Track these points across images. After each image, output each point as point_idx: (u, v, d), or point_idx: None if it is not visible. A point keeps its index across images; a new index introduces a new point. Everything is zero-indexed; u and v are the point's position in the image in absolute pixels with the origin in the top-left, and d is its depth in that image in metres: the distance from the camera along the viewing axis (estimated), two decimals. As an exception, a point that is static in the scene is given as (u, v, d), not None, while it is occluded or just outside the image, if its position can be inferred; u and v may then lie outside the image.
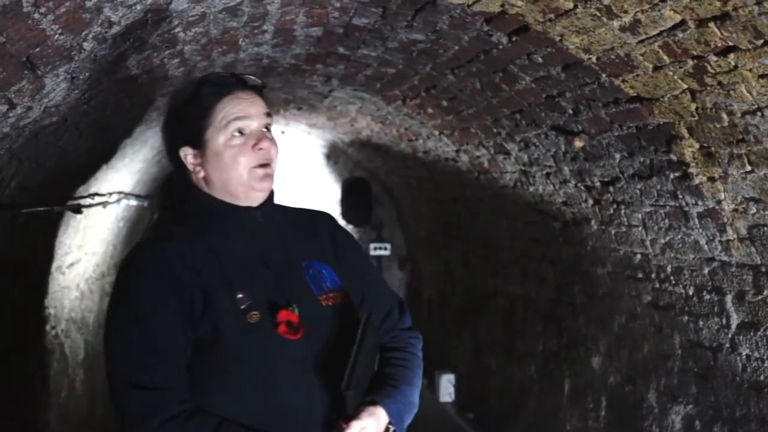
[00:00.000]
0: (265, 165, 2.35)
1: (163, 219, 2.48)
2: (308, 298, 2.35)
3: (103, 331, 2.30)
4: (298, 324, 2.27)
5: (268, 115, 2.41)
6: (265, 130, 2.38)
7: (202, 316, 2.21)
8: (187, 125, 2.37)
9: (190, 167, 2.38)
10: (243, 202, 2.37)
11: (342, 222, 8.06)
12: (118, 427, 2.22)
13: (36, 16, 2.10)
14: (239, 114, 2.33)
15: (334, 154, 9.56)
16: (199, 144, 2.35)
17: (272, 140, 2.39)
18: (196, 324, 2.21)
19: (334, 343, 2.31)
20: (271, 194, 2.45)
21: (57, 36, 2.30)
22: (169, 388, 2.17)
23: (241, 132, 2.33)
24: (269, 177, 2.37)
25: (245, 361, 2.22)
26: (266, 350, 2.23)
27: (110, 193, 5.62)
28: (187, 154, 2.38)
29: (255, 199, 2.38)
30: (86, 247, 6.08)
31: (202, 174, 2.37)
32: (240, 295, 2.25)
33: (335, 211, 8.97)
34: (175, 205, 2.44)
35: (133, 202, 6.88)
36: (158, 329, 2.19)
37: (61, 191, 4.30)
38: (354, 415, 2.24)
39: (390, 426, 2.32)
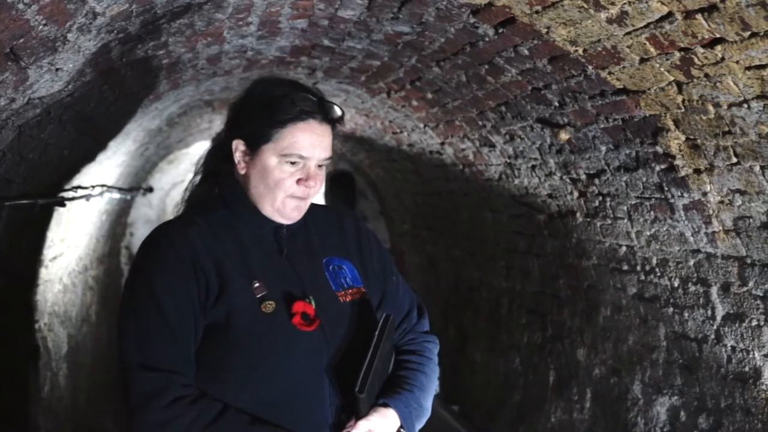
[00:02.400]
0: (301, 198, 2.34)
1: (192, 201, 2.45)
2: (326, 293, 2.34)
3: (118, 309, 2.31)
4: (314, 316, 2.27)
5: (329, 157, 2.36)
6: (318, 165, 2.35)
7: (216, 302, 2.22)
8: (252, 125, 2.34)
9: (237, 160, 2.36)
10: (268, 217, 2.37)
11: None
12: (124, 405, 2.22)
13: (20, 6, 2.08)
14: (304, 152, 2.29)
15: (318, 147, 9.54)
16: (254, 147, 2.32)
17: (321, 176, 2.36)
18: (208, 310, 2.22)
19: (349, 339, 2.30)
20: None
21: (41, 27, 2.27)
22: (176, 372, 2.17)
23: (294, 164, 2.31)
24: (299, 210, 2.36)
25: (257, 349, 2.22)
26: (279, 340, 2.23)
27: (93, 186, 5.58)
28: (239, 149, 2.35)
29: (280, 221, 2.37)
30: (69, 240, 6.05)
31: (243, 171, 2.35)
32: (257, 284, 2.26)
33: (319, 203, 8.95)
34: (206, 189, 2.44)
35: (116, 195, 6.85)
36: (171, 313, 2.20)
37: (45, 184, 4.27)
38: (364, 416, 2.23)
39: (402, 430, 2.31)
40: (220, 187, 2.41)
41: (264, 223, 2.36)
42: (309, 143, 2.30)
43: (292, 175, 2.31)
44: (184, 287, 2.21)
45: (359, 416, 2.23)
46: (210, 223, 2.33)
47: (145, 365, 2.16)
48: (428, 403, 2.43)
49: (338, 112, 2.39)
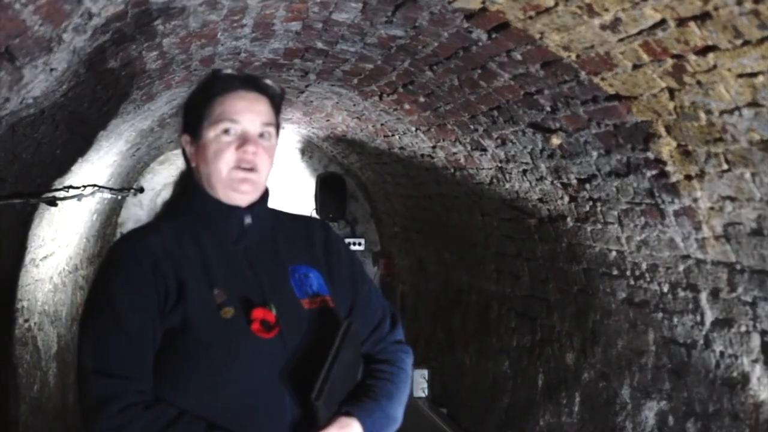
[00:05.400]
0: (247, 169, 2.32)
1: (162, 210, 2.47)
2: (288, 300, 2.32)
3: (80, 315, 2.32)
4: (274, 323, 2.25)
5: (268, 123, 2.37)
6: (260, 136, 2.35)
7: (174, 308, 2.21)
8: (191, 113, 2.39)
9: (188, 155, 2.40)
10: (226, 201, 2.35)
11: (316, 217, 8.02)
12: (79, 410, 2.21)
13: (17, 6, 2.08)
14: (232, 115, 2.31)
15: (309, 149, 9.55)
16: (196, 134, 2.36)
17: (264, 148, 2.35)
18: (167, 315, 2.21)
19: (311, 347, 2.27)
20: (263, 198, 2.43)
21: (37, 27, 2.27)
22: (131, 378, 2.16)
23: (228, 131, 2.31)
24: (249, 182, 2.33)
25: (214, 355, 2.20)
26: (237, 346, 2.21)
27: (84, 186, 5.57)
28: (187, 142, 2.39)
29: (236, 200, 2.35)
30: (60, 239, 6.04)
31: (194, 164, 2.37)
32: (217, 291, 2.24)
33: (309, 206, 8.98)
34: (175, 197, 2.46)
35: (107, 195, 6.84)
36: (127, 319, 2.18)
37: (37, 183, 4.26)
38: (324, 425, 2.20)
39: None
40: (186, 191, 2.42)
41: (225, 214, 2.35)
42: (239, 108, 2.33)
43: (230, 144, 2.31)
44: (142, 293, 2.20)
45: (318, 425, 2.20)
46: (173, 229, 2.33)
47: (99, 371, 2.15)
48: (396, 412, 2.39)
49: (271, 84, 2.42)
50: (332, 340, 2.25)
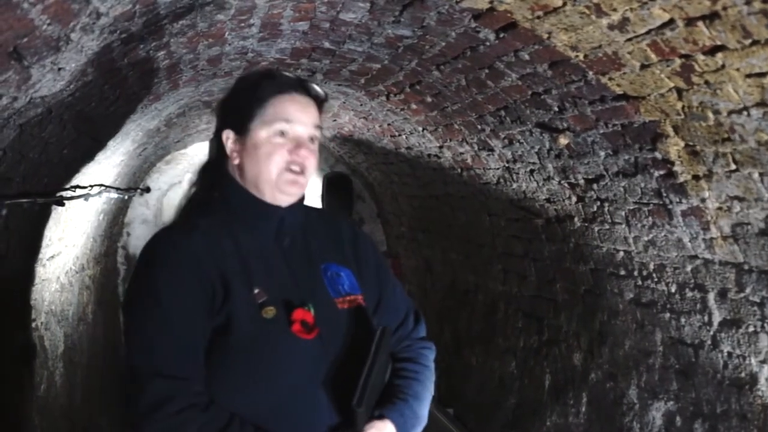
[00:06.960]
0: (296, 172, 2.35)
1: (191, 205, 2.45)
2: (324, 300, 2.33)
3: (123, 317, 2.29)
4: (313, 324, 2.26)
5: (318, 127, 2.40)
6: (309, 140, 2.38)
7: (221, 307, 2.21)
8: (238, 110, 2.38)
9: (229, 151, 2.39)
10: (270, 201, 2.36)
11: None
12: (128, 414, 2.18)
13: (25, 6, 2.08)
14: (289, 117, 2.33)
15: (315, 149, 9.56)
16: (242, 131, 2.36)
17: (312, 152, 2.38)
18: (214, 315, 2.21)
19: (347, 348, 2.30)
20: (301, 199, 2.45)
21: (45, 26, 2.27)
22: (187, 378, 2.16)
23: (284, 133, 2.33)
24: (298, 184, 2.36)
25: (256, 355, 2.20)
26: (278, 347, 2.22)
27: (91, 186, 5.58)
28: (229, 138, 2.39)
29: (281, 201, 2.37)
30: (67, 239, 6.04)
31: (237, 161, 2.37)
32: (257, 290, 2.25)
33: (316, 206, 8.97)
34: (205, 192, 2.44)
35: (114, 195, 6.85)
36: (179, 319, 2.18)
37: (44, 183, 4.27)
38: (361, 429, 2.23)
39: None
40: (218, 186, 2.41)
41: (265, 212, 2.36)
42: (294, 110, 2.35)
43: (283, 146, 2.33)
44: (189, 292, 2.20)
45: (357, 429, 2.22)
46: (211, 226, 2.32)
47: (155, 372, 2.14)
48: (423, 411, 2.42)
49: (319, 89, 2.44)
50: (368, 345, 2.28)
